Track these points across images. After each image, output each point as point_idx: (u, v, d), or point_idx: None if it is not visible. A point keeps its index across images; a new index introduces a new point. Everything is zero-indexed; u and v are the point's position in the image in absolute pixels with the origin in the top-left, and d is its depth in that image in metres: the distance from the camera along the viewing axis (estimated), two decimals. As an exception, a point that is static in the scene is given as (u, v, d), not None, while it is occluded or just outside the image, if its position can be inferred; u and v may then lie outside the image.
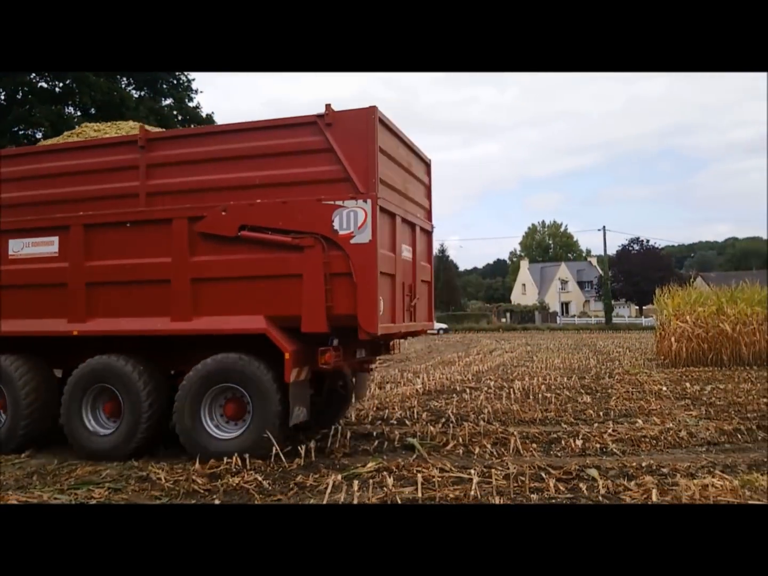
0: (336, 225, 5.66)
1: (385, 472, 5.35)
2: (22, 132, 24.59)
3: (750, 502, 4.41)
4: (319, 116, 5.81)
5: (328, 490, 4.80)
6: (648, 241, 60.76)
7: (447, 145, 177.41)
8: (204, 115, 29.50)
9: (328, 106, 5.80)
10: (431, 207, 7.76)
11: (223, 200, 6.01)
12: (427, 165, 7.68)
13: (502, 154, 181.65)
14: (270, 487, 5.12)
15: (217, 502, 4.56)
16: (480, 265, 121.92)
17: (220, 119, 49.34)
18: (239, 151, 6.06)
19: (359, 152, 5.70)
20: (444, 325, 48.81)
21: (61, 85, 25.57)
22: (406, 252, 6.66)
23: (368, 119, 5.73)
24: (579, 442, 6.47)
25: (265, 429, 5.76)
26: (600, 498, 4.64)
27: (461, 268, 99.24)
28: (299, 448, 6.25)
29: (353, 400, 7.57)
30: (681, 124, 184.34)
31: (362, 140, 5.71)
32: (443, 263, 75.53)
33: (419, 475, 5.10)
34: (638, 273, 55.43)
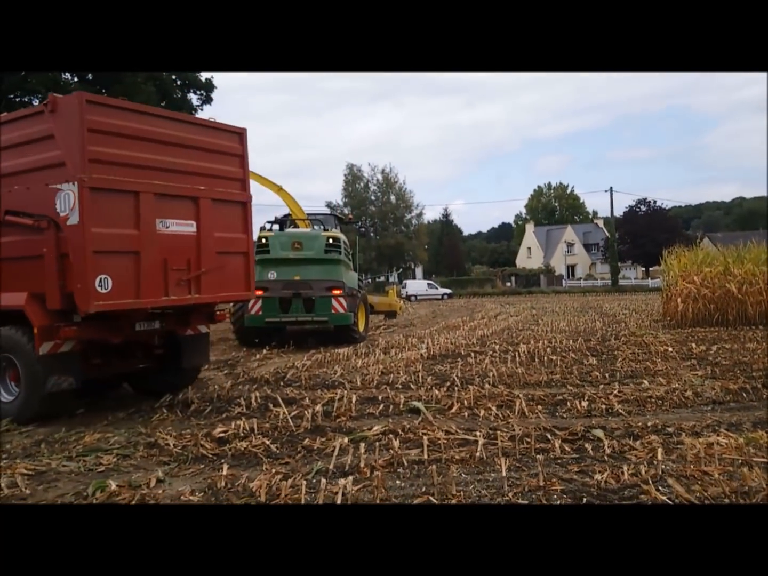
0: (58, 208, 6.03)
1: (391, 435, 5.40)
2: (18, 99, 24.26)
3: (755, 459, 4.43)
4: (45, 104, 6.12)
5: (335, 453, 4.84)
6: (655, 202, 60.06)
7: (448, 108, 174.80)
8: (203, 79, 28.92)
9: (50, 94, 6.14)
10: (247, 177, 7.73)
11: None
12: (239, 135, 7.63)
13: (505, 116, 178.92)
14: (278, 451, 5.18)
15: (225, 466, 4.61)
16: (484, 230, 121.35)
17: (219, 82, 48.09)
18: None
19: (71, 135, 5.97)
20: (448, 290, 48.86)
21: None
22: (177, 227, 6.79)
23: (76, 102, 5.97)
24: (584, 404, 6.48)
25: (26, 395, 6.34)
26: (605, 457, 4.67)
27: (465, 233, 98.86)
28: (306, 411, 6.32)
29: (185, 364, 7.79)
30: (687, 83, 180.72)
31: (72, 123, 5.96)
32: (447, 228, 75.13)
33: (425, 438, 5.14)
34: (645, 234, 54.94)
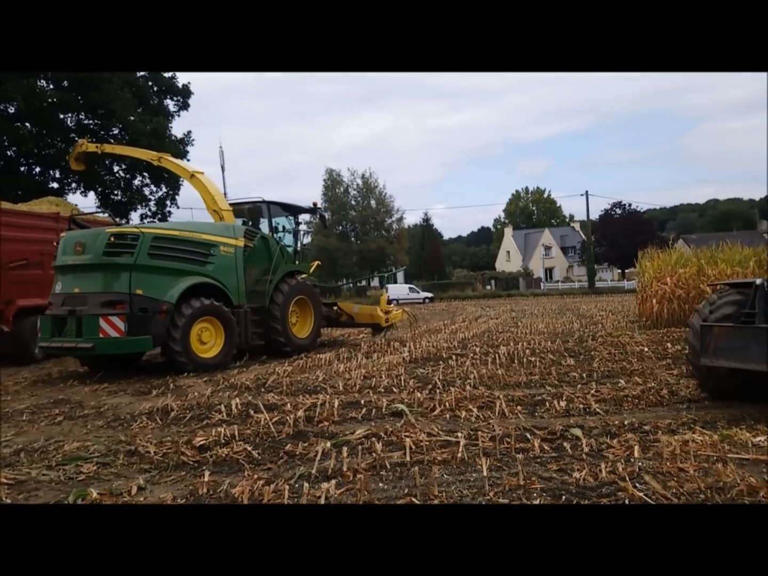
0: None
1: (373, 438, 5.42)
2: (-5, 107, 23.90)
3: (729, 455, 4.54)
4: None
5: (318, 458, 4.86)
6: (630, 205, 61.20)
7: (435, 111, 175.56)
8: (180, 85, 28.76)
9: None
10: None
11: None
12: None
13: (490, 120, 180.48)
14: (260, 457, 5.17)
15: (207, 473, 4.60)
16: (465, 233, 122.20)
17: (202, 87, 47.97)
18: None
19: None
20: (429, 294, 49.06)
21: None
22: None
23: None
24: (563, 403, 6.58)
25: None
26: (584, 456, 4.75)
27: (446, 237, 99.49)
28: (288, 417, 6.31)
29: None
30: (669, 85, 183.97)
31: None
32: (428, 232, 75.49)
33: (408, 440, 5.17)
34: (621, 237, 55.82)
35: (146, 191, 28.90)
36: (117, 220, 12.43)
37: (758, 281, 6.25)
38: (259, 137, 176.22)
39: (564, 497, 3.89)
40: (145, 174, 27.78)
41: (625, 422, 5.75)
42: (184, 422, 6.63)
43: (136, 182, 28.59)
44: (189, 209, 74.80)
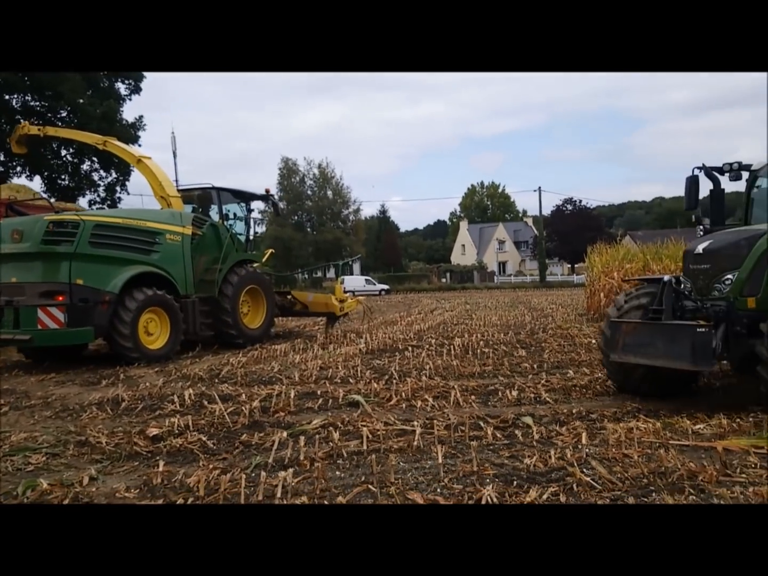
0: None
1: (330, 428, 5.45)
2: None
3: (671, 441, 4.77)
4: None
5: (274, 447, 4.86)
6: (581, 201, 62.71)
7: (393, 104, 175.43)
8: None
9: None
10: None
11: None
12: None
13: (446, 113, 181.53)
14: (215, 447, 5.13)
15: (161, 463, 4.54)
16: (421, 226, 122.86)
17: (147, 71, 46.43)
18: None
19: None
20: (386, 286, 49.25)
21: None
22: None
23: None
24: (515, 393, 6.76)
25: None
26: (534, 443, 4.91)
27: (402, 230, 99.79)
28: (243, 408, 6.28)
29: None
30: (620, 84, 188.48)
31: None
32: (385, 225, 75.61)
33: (365, 429, 5.23)
34: (571, 232, 57.14)
35: (95, 176, 27.90)
36: (69, 204, 11.80)
37: (666, 278, 6.25)
38: (212, 123, 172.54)
39: (515, 482, 4.02)
40: (95, 159, 26.80)
41: (574, 411, 5.96)
42: (135, 413, 6.51)
43: (85, 167, 27.57)
44: (139, 195, 72.43)
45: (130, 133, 26.30)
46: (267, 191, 14.62)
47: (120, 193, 28.28)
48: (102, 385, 8.29)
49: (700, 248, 6.08)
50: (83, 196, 27.68)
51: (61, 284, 9.43)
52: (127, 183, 28.17)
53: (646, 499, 3.68)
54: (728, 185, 6.92)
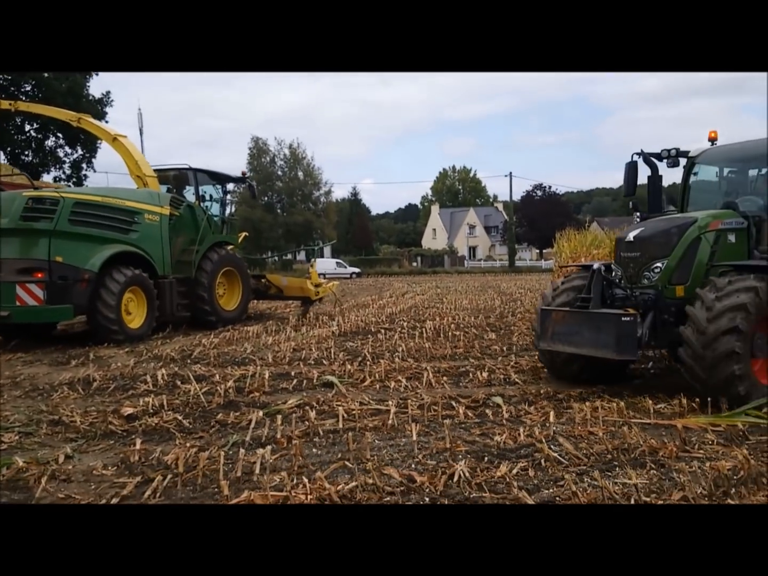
0: None
1: (306, 407, 5.54)
2: None
3: (633, 420, 4.99)
4: None
5: (251, 426, 4.93)
6: (550, 187, 63.38)
7: (365, 84, 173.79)
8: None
9: None
10: None
11: None
12: None
13: (420, 96, 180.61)
14: (191, 426, 5.18)
15: (138, 441, 4.57)
16: (392, 210, 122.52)
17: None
18: None
19: None
20: (357, 269, 49.21)
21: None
22: None
23: None
24: (485, 374, 6.93)
25: None
26: (504, 421, 5.07)
27: (374, 213, 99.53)
28: (218, 388, 6.31)
29: None
30: (588, 72, 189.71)
31: None
32: (356, 207, 75.28)
33: (340, 408, 5.33)
34: (540, 218, 57.81)
35: (60, 153, 27.14)
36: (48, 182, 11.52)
37: (596, 266, 6.12)
38: (179, 100, 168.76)
39: (486, 458, 4.18)
40: (59, 135, 26.07)
41: (542, 391, 6.16)
42: (108, 392, 6.50)
43: (50, 143, 26.79)
44: (105, 173, 70.39)
45: (97, 108, 25.62)
46: (243, 174, 14.59)
47: (86, 170, 27.60)
48: (71, 365, 8.21)
49: (631, 236, 6.00)
50: (47, 173, 26.96)
51: (40, 261, 9.36)
52: (93, 160, 27.49)
53: (610, 473, 3.87)
54: (668, 172, 6.79)
